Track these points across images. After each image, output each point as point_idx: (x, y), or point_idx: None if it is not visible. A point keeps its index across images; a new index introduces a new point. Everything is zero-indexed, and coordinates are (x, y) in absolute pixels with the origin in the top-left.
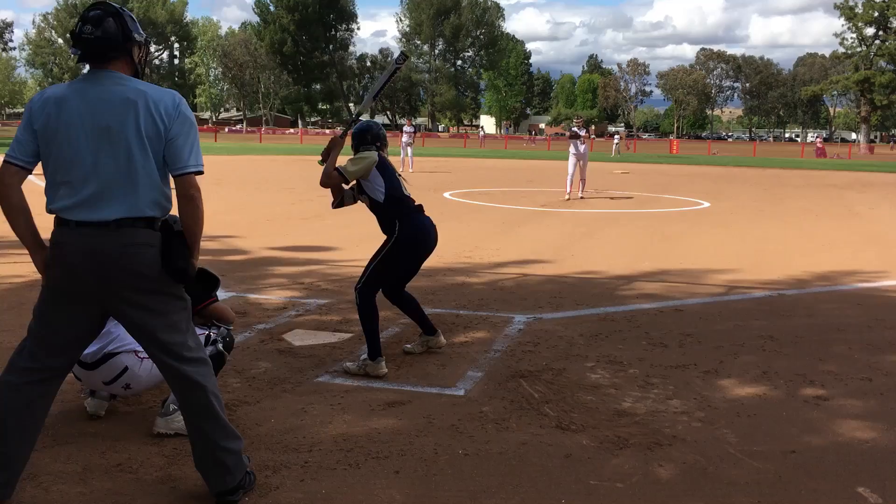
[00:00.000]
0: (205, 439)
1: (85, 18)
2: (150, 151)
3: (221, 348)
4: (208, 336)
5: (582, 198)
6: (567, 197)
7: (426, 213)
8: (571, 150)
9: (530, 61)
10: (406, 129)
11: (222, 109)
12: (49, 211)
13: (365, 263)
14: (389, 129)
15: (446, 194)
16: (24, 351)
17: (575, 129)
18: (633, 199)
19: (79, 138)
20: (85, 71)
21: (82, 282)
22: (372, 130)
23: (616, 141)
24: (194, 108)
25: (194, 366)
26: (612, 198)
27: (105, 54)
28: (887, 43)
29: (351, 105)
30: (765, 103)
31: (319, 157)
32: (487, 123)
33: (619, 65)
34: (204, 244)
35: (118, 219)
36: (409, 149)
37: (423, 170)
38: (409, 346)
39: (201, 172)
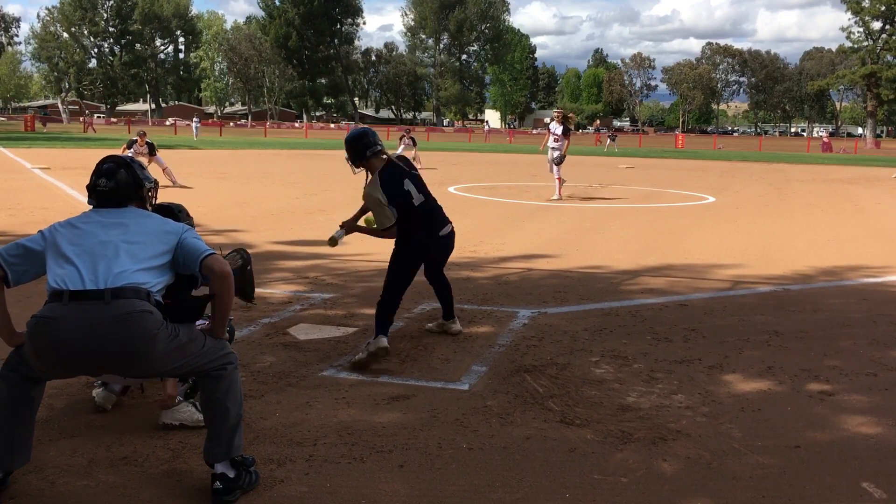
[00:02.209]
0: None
1: (99, 172)
2: None
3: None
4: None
5: (555, 199)
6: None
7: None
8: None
9: (535, 55)
10: (405, 140)
11: (227, 104)
12: None
13: (370, 259)
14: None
15: (451, 189)
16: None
17: (550, 122)
18: (637, 194)
19: None
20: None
21: None
22: (364, 138)
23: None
24: (199, 102)
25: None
26: (613, 196)
27: (120, 202)
28: (894, 37)
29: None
30: (771, 98)
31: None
32: (492, 118)
33: (623, 59)
34: (209, 238)
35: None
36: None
37: (428, 164)
38: (430, 324)
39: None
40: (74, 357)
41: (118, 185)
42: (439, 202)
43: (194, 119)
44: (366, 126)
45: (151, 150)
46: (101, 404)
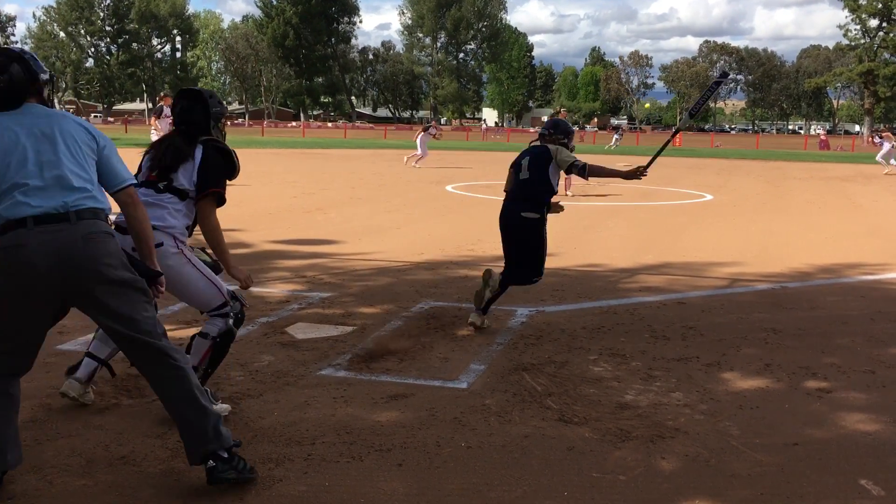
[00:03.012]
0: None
1: None
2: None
3: (232, 324)
4: (224, 305)
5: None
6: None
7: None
8: None
9: (533, 54)
10: (431, 130)
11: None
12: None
13: (366, 257)
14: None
15: (448, 187)
16: None
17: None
18: (635, 192)
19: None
20: None
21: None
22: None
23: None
24: None
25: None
26: (610, 194)
27: (16, 99)
28: (891, 34)
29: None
30: (768, 95)
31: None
32: (490, 116)
33: (620, 57)
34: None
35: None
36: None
37: (426, 164)
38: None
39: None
40: (42, 283)
41: (12, 81)
42: (437, 201)
43: None
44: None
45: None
46: (66, 392)
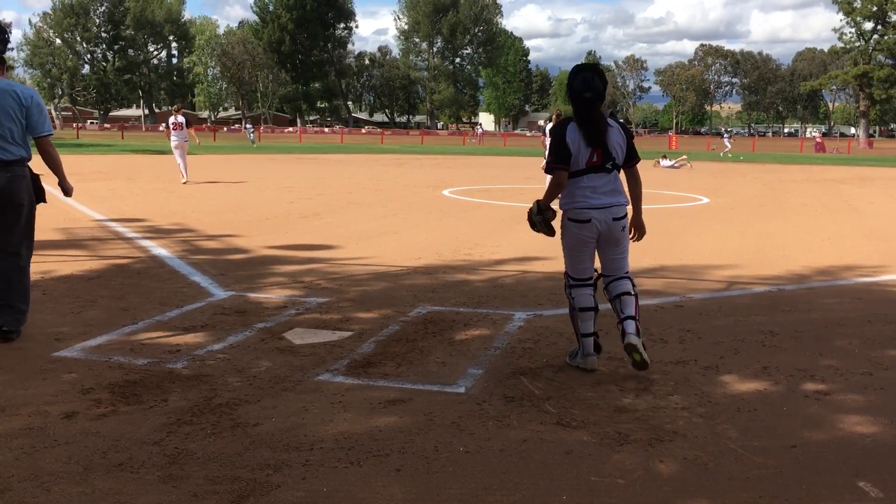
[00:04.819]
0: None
1: None
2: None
3: None
4: None
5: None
6: None
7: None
8: None
9: (528, 58)
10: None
11: (221, 109)
12: None
13: (363, 262)
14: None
15: (445, 192)
16: None
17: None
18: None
19: None
20: None
21: None
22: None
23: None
24: (193, 107)
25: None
26: None
27: None
28: (886, 37)
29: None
30: (764, 98)
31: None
32: (486, 121)
33: (615, 62)
34: (204, 243)
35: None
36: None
37: (421, 165)
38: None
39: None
40: None
41: None
42: (433, 205)
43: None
44: None
45: (187, 123)
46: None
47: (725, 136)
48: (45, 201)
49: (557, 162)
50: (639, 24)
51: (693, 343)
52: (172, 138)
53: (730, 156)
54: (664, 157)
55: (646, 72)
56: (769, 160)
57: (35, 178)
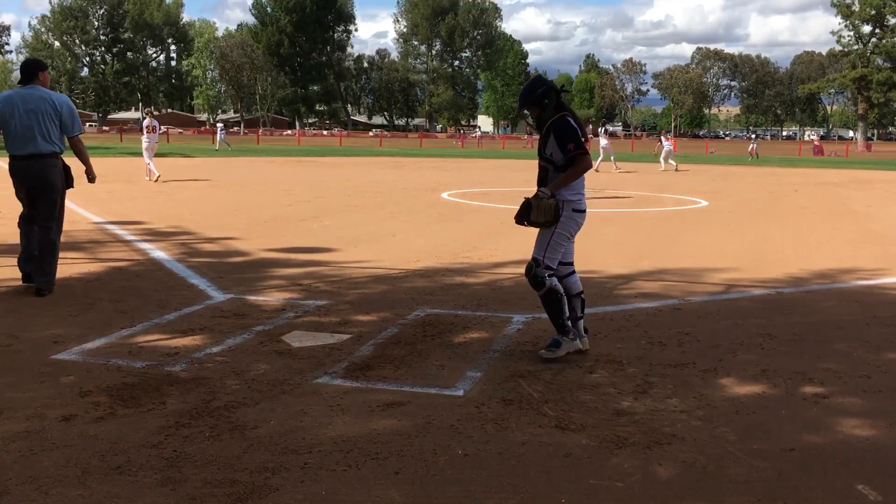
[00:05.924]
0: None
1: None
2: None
3: None
4: None
5: None
6: None
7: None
8: None
9: (528, 61)
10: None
11: (220, 111)
12: None
13: (362, 265)
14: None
15: (444, 195)
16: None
17: None
18: (630, 198)
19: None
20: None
21: None
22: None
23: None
24: (191, 109)
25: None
26: (609, 197)
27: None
28: (884, 41)
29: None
30: (762, 101)
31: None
32: (485, 124)
33: (614, 64)
34: (202, 245)
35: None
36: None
37: (420, 168)
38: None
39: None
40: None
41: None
42: (432, 208)
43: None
44: None
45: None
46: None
47: (753, 141)
48: (73, 187)
49: (583, 147)
50: (638, 27)
51: (692, 346)
52: (144, 140)
53: (758, 158)
54: (664, 135)
55: (644, 75)
56: (768, 163)
57: (66, 168)
